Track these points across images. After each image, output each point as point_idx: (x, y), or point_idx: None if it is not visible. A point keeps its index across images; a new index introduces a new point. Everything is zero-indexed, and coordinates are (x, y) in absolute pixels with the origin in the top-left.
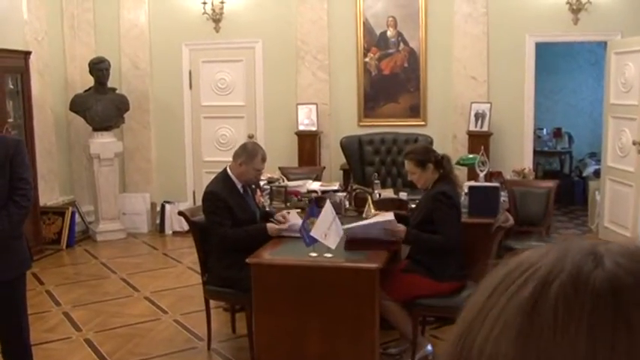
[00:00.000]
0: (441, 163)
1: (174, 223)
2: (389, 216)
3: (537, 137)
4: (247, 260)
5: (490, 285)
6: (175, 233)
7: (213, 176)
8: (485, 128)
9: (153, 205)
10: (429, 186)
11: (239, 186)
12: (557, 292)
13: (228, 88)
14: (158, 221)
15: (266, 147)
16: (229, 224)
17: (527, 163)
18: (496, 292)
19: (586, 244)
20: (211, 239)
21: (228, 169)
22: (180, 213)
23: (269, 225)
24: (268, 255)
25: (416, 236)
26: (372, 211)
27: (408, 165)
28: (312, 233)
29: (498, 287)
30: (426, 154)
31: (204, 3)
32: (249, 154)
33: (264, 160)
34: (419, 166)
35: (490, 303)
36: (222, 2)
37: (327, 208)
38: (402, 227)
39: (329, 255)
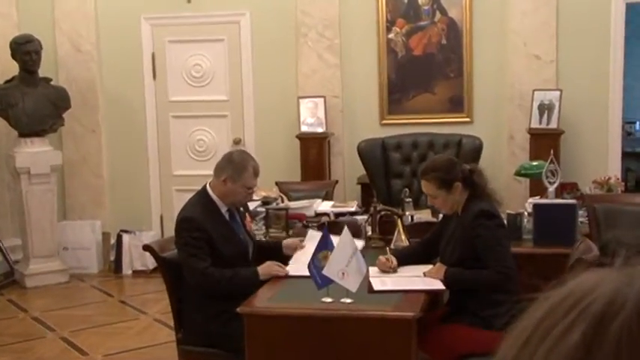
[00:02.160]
0: (471, 179)
1: (135, 259)
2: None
3: (627, 134)
4: (239, 310)
5: (525, 329)
6: (137, 273)
7: (187, 196)
8: (553, 125)
9: (105, 235)
10: (459, 210)
11: (223, 210)
12: (618, 332)
13: (205, 77)
14: (113, 257)
15: (258, 155)
16: (209, 261)
17: (614, 170)
18: (533, 340)
19: None
20: (187, 281)
21: (208, 187)
22: (146, 247)
23: (263, 266)
24: (266, 301)
25: (456, 276)
26: (404, 239)
27: (428, 187)
28: (326, 272)
29: (536, 332)
30: (451, 171)
31: None
32: (237, 167)
33: (256, 174)
34: (443, 188)
35: (525, 355)
36: None
37: (345, 239)
38: (439, 267)
39: (348, 300)
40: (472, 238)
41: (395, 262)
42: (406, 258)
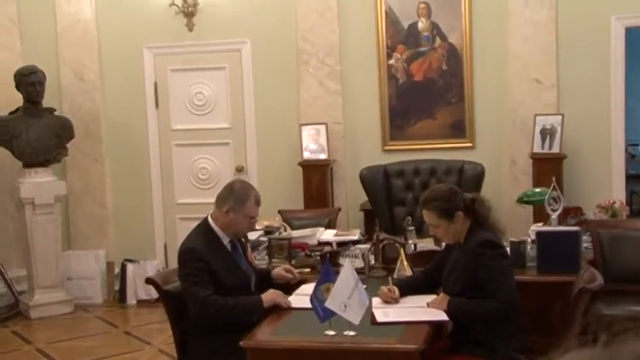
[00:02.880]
0: (472, 208)
1: (139, 289)
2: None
3: (631, 157)
4: (241, 343)
5: None
6: (141, 303)
7: (189, 224)
8: (555, 149)
9: (109, 265)
10: (461, 239)
11: (225, 241)
12: None
13: (207, 105)
14: (117, 287)
15: (260, 183)
16: (212, 290)
17: (618, 194)
18: None
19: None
20: (190, 312)
21: (210, 219)
22: (149, 280)
23: (266, 294)
24: (269, 335)
25: (460, 306)
26: (407, 268)
27: (429, 217)
28: (328, 304)
29: None
30: (451, 200)
31: None
32: (239, 197)
33: (258, 203)
34: (444, 217)
35: None
36: None
37: (347, 270)
38: (442, 298)
39: (351, 333)
40: (475, 267)
41: (397, 292)
42: (409, 288)
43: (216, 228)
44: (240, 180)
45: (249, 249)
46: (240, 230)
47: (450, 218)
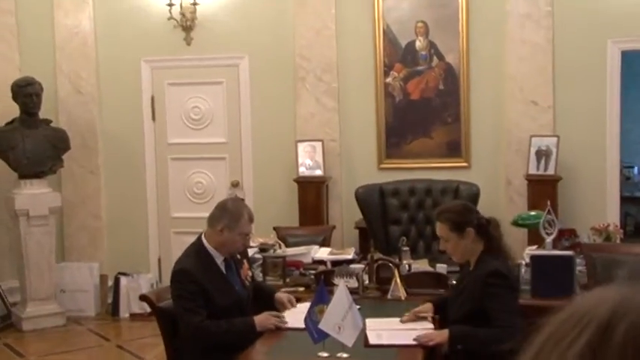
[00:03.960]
0: (486, 229)
1: (133, 302)
2: (424, 324)
3: (625, 179)
4: None
5: (538, 342)
6: (134, 316)
7: (184, 238)
8: (550, 171)
9: (103, 278)
10: (472, 262)
11: (219, 261)
12: (622, 337)
13: (204, 119)
14: (110, 300)
15: (256, 199)
16: (204, 314)
17: (612, 216)
18: (544, 351)
19: None
20: (183, 332)
21: (203, 238)
22: (143, 297)
23: (259, 317)
24: (263, 355)
25: (463, 334)
26: (401, 290)
27: (441, 228)
28: (322, 326)
29: (547, 344)
30: (464, 215)
31: (171, 5)
32: (232, 215)
33: (251, 219)
34: (455, 231)
35: None
36: (194, 4)
37: (341, 292)
38: (440, 334)
39: (344, 355)
40: (482, 295)
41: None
42: (444, 306)
43: (209, 248)
44: (232, 198)
45: (247, 264)
46: (235, 248)
47: (461, 233)
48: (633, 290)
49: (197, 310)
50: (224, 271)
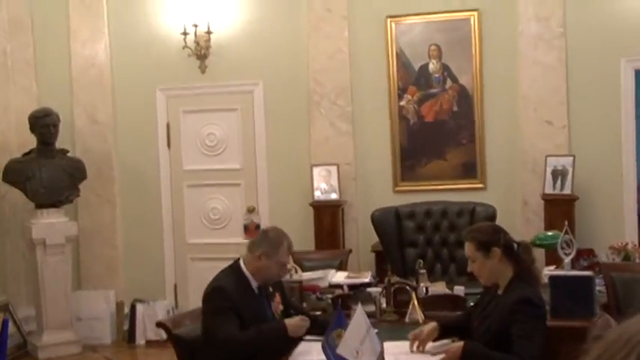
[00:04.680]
0: (515, 251)
1: (149, 329)
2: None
3: None
4: None
5: None
6: (150, 343)
7: (200, 264)
8: (567, 190)
9: (119, 305)
10: (502, 286)
11: (254, 285)
12: None
13: (219, 146)
14: (126, 327)
15: (272, 223)
16: (236, 328)
17: (631, 235)
18: None
19: None
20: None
21: (241, 262)
22: (160, 324)
23: (291, 321)
24: None
25: (479, 353)
26: (419, 313)
27: (468, 248)
28: (340, 351)
29: None
30: (491, 234)
31: (185, 34)
32: (272, 243)
33: (290, 249)
34: (480, 250)
35: None
36: (208, 33)
37: (359, 316)
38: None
39: None
40: (509, 321)
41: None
42: (453, 328)
43: (246, 272)
44: (275, 227)
45: (278, 298)
46: (271, 276)
47: (487, 252)
48: None
49: (229, 323)
50: (258, 296)
